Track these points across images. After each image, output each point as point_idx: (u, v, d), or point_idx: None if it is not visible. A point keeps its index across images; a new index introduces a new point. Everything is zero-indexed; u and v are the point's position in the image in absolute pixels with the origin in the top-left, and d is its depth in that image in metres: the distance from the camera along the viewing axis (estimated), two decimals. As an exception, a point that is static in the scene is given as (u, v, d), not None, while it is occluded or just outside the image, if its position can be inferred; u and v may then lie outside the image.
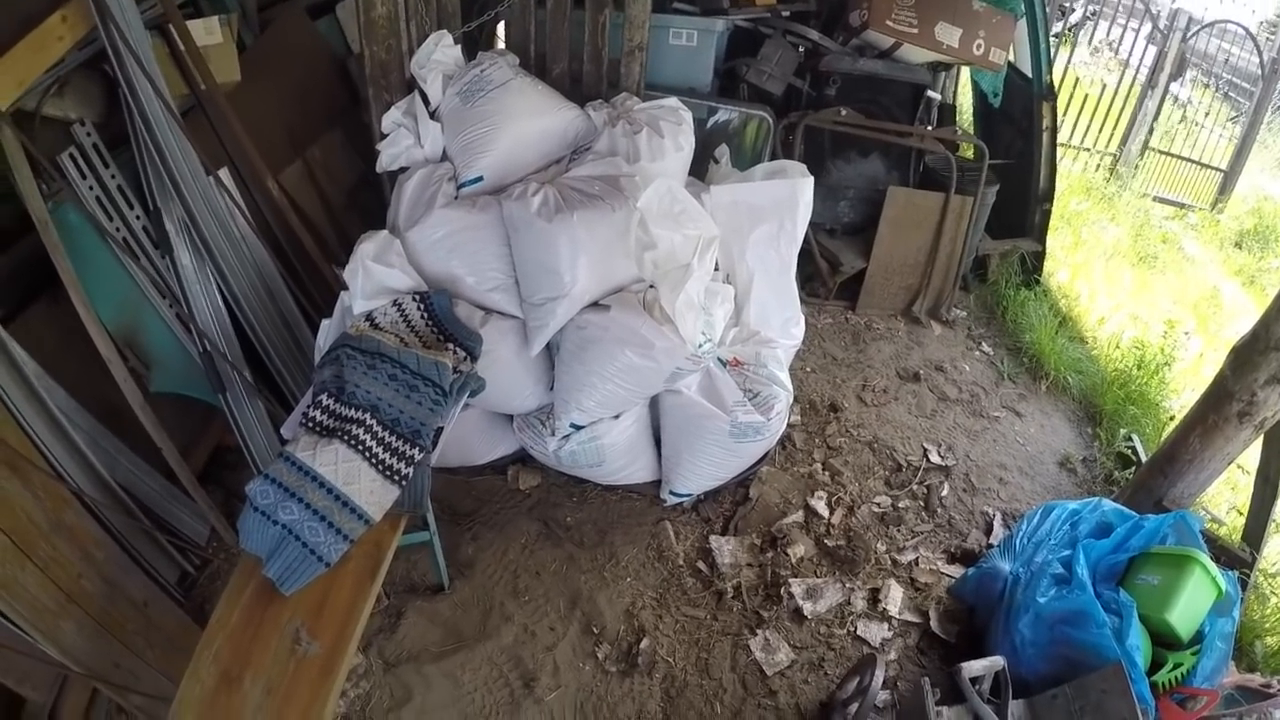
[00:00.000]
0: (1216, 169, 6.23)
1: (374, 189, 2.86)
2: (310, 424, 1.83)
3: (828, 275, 3.26)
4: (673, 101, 2.51)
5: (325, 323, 2.25)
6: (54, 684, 1.95)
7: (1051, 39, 3.43)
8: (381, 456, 1.81)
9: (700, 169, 2.72)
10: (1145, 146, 5.87)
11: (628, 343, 2.13)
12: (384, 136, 2.48)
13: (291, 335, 2.47)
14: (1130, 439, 2.90)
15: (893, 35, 2.99)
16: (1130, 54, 6.44)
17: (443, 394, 1.88)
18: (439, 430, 1.88)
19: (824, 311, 3.31)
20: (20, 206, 1.95)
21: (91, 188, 2.05)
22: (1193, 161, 6.19)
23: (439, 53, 2.51)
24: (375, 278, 2.12)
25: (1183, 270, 4.60)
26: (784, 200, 2.49)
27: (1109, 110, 5.81)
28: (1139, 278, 4.27)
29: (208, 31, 2.25)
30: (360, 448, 1.79)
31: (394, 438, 1.83)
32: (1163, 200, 5.96)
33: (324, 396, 1.86)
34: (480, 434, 2.48)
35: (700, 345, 2.18)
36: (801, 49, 3.12)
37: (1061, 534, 2.31)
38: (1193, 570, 1.98)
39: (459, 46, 2.57)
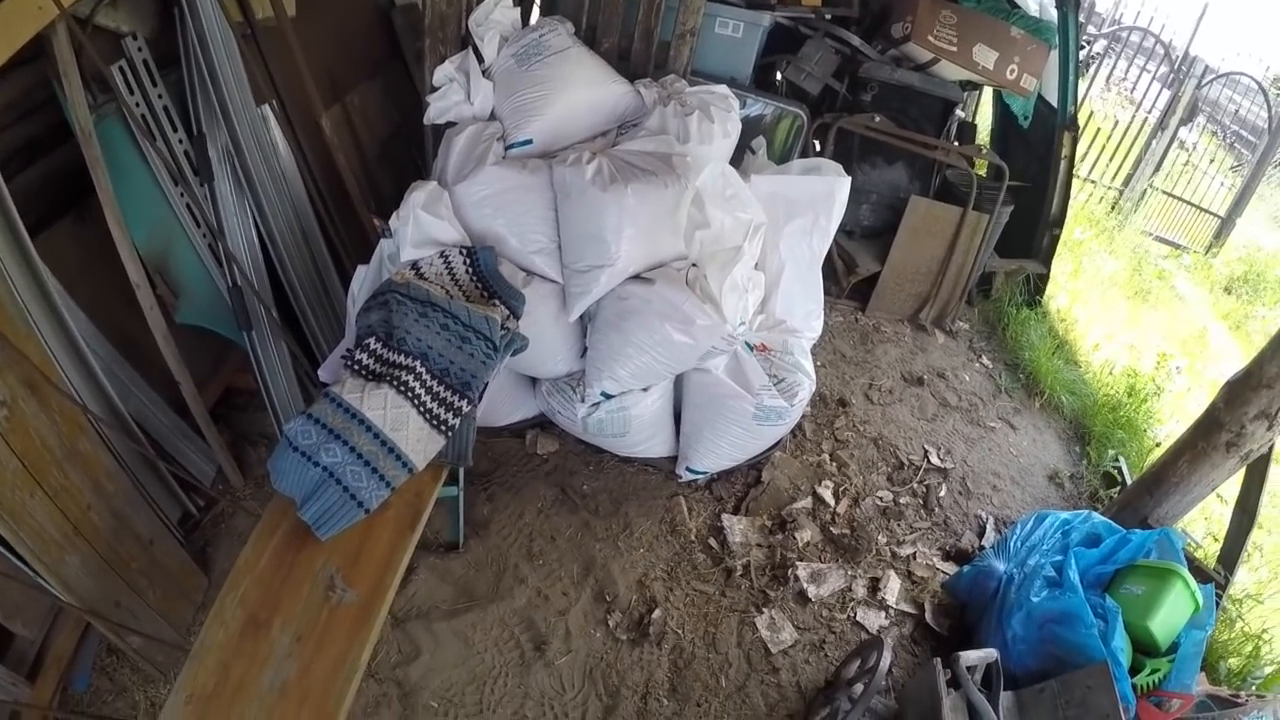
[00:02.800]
0: (1214, 215, 6.42)
1: (406, 142, 2.81)
2: (357, 367, 1.78)
3: (843, 275, 3.31)
4: (723, 89, 2.52)
5: (362, 269, 2.19)
6: (46, 620, 1.86)
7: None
8: (430, 405, 1.77)
9: (735, 159, 2.73)
10: (1149, 185, 6.04)
11: (669, 317, 2.12)
12: (434, 90, 2.43)
13: (321, 281, 2.39)
14: (1117, 460, 3.01)
15: (932, 50, 3.04)
16: (1144, 95, 6.61)
17: (493, 347, 1.85)
18: (485, 385, 1.85)
19: (835, 309, 3.35)
20: (54, 116, 1.86)
21: (138, 104, 1.95)
22: (1193, 205, 6.38)
23: (498, 12, 2.47)
24: (424, 227, 2.07)
25: (1174, 308, 4.78)
26: (821, 196, 2.52)
27: (1118, 147, 5.96)
28: (1132, 310, 4.42)
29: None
30: (409, 394, 1.75)
31: (443, 388, 1.80)
32: (1160, 239, 6.15)
33: (372, 340, 1.81)
34: (503, 395, 2.45)
35: (738, 326, 2.19)
36: (840, 53, 3.15)
37: (1054, 541, 2.39)
38: (1174, 583, 2.07)
39: (518, 9, 2.52)
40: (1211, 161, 6.89)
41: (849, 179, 2.51)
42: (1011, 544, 2.44)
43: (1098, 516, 2.42)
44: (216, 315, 2.19)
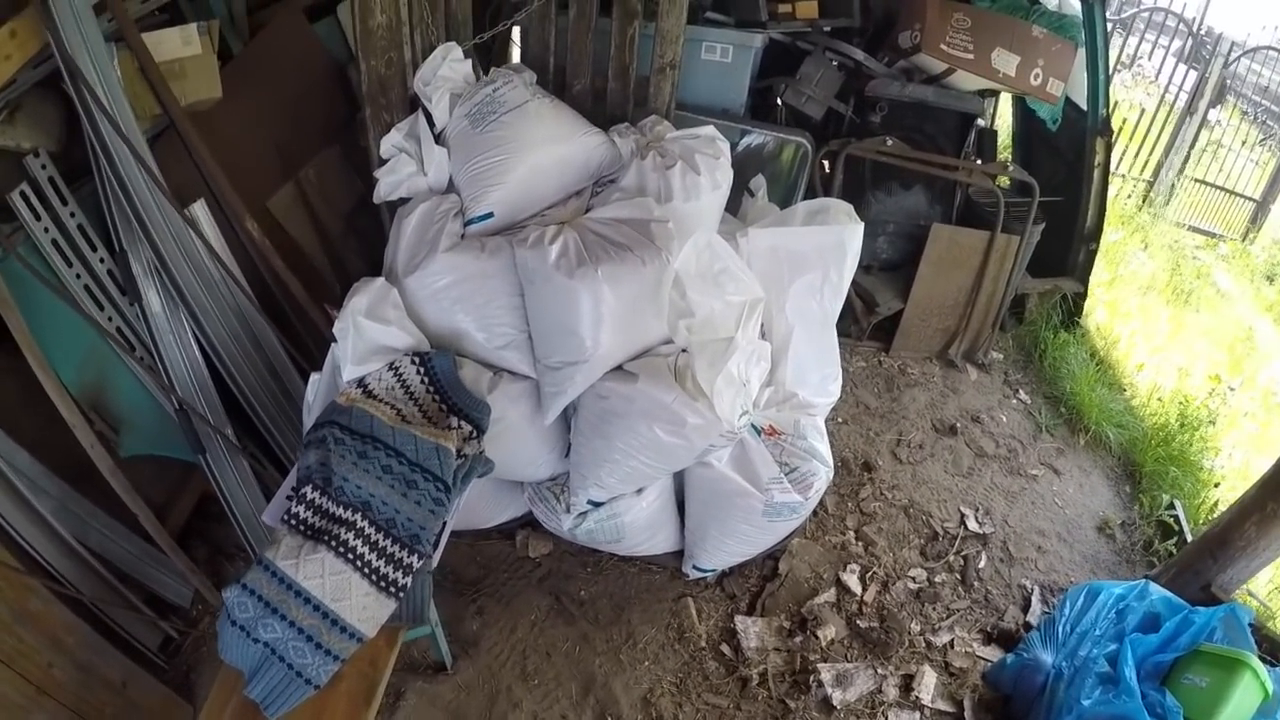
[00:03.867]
0: (1249, 199, 5.79)
1: (374, 213, 2.47)
2: (294, 521, 1.49)
3: (862, 315, 2.89)
4: (710, 131, 2.12)
5: (315, 377, 1.89)
6: None
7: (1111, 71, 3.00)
8: (375, 565, 1.47)
9: (733, 201, 2.34)
10: (1180, 174, 5.43)
11: (655, 418, 1.78)
12: (383, 162, 2.08)
13: (280, 384, 2.10)
14: (1173, 507, 2.58)
15: (946, 60, 2.57)
16: (1169, 77, 5.93)
17: (444, 489, 1.54)
18: (437, 534, 1.54)
19: (856, 353, 2.95)
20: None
21: (47, 230, 1.68)
22: (1227, 191, 5.75)
23: (446, 67, 2.10)
24: (369, 337, 1.76)
25: (1217, 308, 4.23)
26: (830, 248, 2.11)
27: (1145, 136, 5.37)
28: (1175, 317, 3.91)
29: (185, 41, 1.84)
30: (350, 556, 1.45)
31: (389, 542, 1.49)
32: (1194, 229, 5.56)
33: (308, 489, 1.51)
34: (487, 497, 2.14)
35: (739, 419, 1.83)
36: (843, 69, 2.70)
37: (1107, 624, 2.05)
38: (1242, 675, 1.78)
39: (470, 61, 2.15)
40: (1244, 144, 6.15)
41: (861, 225, 2.10)
42: (1060, 628, 2.11)
43: (1155, 589, 2.07)
44: (167, 440, 1.94)
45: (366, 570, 1.45)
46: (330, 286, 2.36)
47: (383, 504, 1.51)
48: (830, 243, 2.12)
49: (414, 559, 1.49)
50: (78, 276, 1.73)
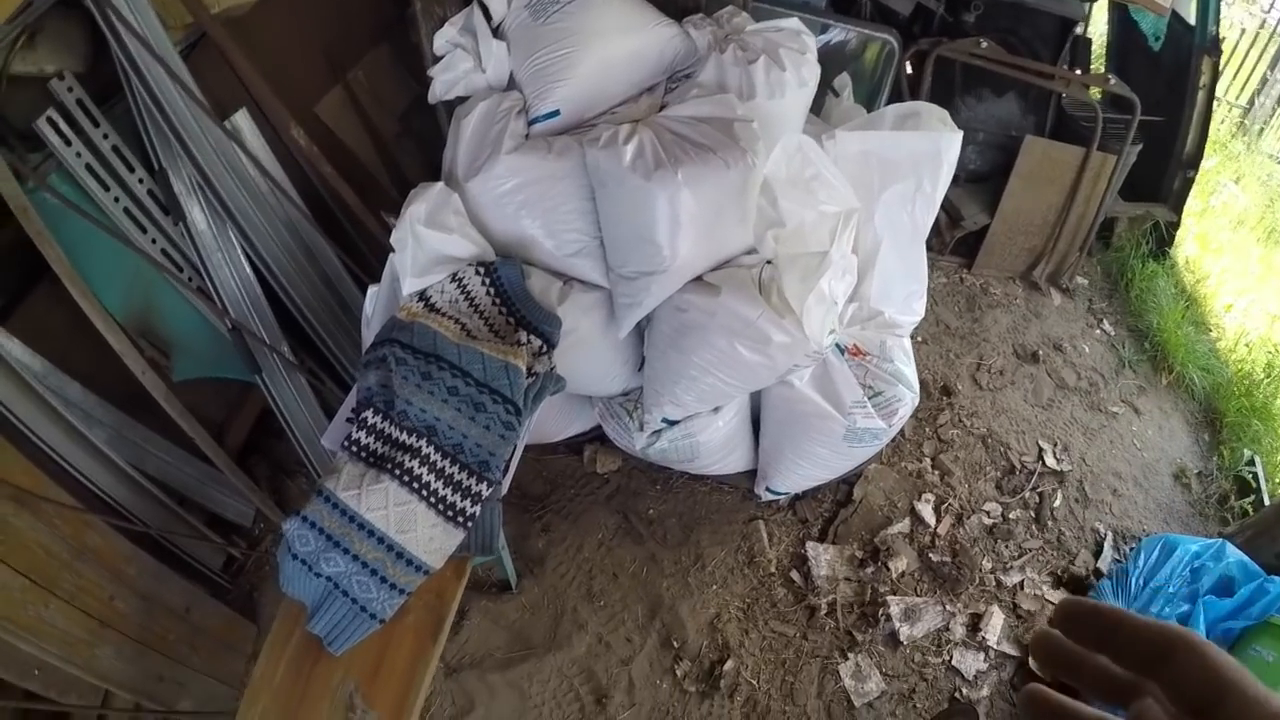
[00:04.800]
0: None
1: (430, 113, 2.22)
2: (354, 448, 1.33)
3: (946, 228, 2.59)
4: (794, 24, 1.81)
5: (373, 289, 1.71)
6: (99, 690, 1.64)
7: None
8: (442, 493, 1.32)
9: (815, 102, 2.03)
10: (1279, 103, 4.82)
11: (738, 334, 1.57)
12: (437, 60, 1.82)
13: (336, 296, 1.93)
14: (1253, 463, 2.34)
15: (1050, -43, 2.18)
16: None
17: (515, 412, 1.36)
18: (506, 460, 1.37)
19: (937, 268, 2.67)
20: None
21: (79, 154, 1.49)
22: None
23: (504, -48, 1.81)
24: (429, 246, 1.55)
25: None
26: (925, 156, 1.83)
27: (1244, 59, 4.74)
28: (1265, 257, 3.50)
29: (214, -62, 1.57)
30: (416, 485, 1.30)
31: (456, 468, 1.33)
32: None
33: (369, 413, 1.35)
34: (554, 411, 1.97)
35: (826, 338, 1.61)
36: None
37: (1180, 582, 1.93)
38: None
39: (529, -57, 1.84)
40: None
41: (959, 133, 1.81)
42: (1133, 581, 1.98)
43: (1231, 551, 1.93)
44: (220, 361, 1.80)
45: (433, 499, 1.30)
46: (386, 191, 2.15)
47: (449, 428, 1.34)
48: (926, 150, 1.83)
49: (483, 486, 1.33)
50: (116, 200, 1.56)
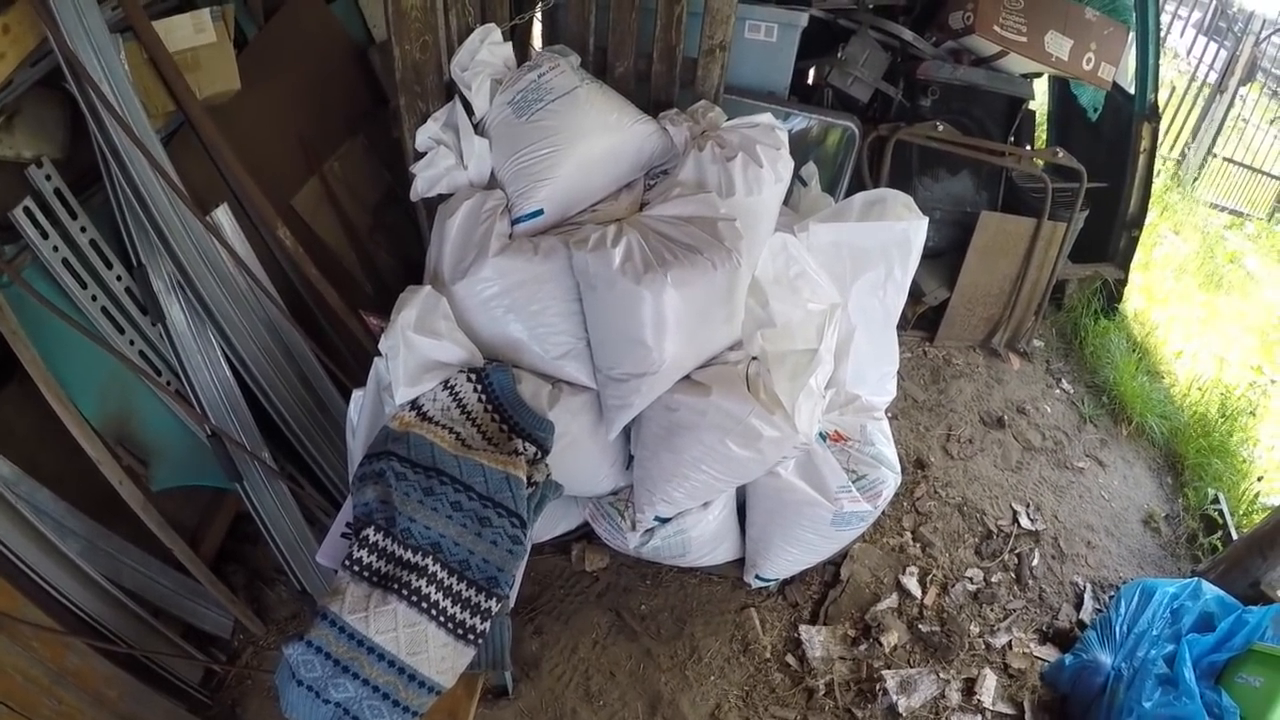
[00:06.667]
0: (1276, 177, 5.64)
1: (403, 206, 2.25)
2: (356, 567, 1.31)
3: (908, 305, 2.71)
4: (768, 119, 1.90)
5: (357, 394, 1.69)
6: None
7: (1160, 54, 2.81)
8: (451, 611, 1.31)
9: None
10: (1209, 153, 5.27)
11: (729, 431, 1.61)
12: (419, 156, 1.86)
13: (315, 398, 1.91)
14: (1217, 500, 2.49)
15: (999, 43, 2.38)
16: (1198, 54, 5.71)
17: (520, 524, 1.37)
18: (515, 576, 1.37)
19: (902, 342, 2.76)
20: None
21: (56, 248, 1.45)
22: (1255, 170, 5.59)
23: (485, 51, 1.87)
24: (421, 353, 1.56)
25: (1247, 292, 4.10)
26: (894, 244, 1.94)
27: (1175, 114, 5.19)
28: (1208, 302, 3.79)
29: (197, 28, 1.59)
30: (425, 605, 1.29)
31: (464, 586, 1.33)
32: (1221, 208, 5.41)
33: (370, 530, 1.34)
34: (542, 512, 1.97)
35: (814, 431, 1.67)
36: (889, 49, 2.48)
37: (1163, 624, 2.00)
38: None
39: (509, 44, 1.92)
40: (1272, 122, 5.95)
41: (925, 220, 1.93)
42: (1117, 628, 2.05)
43: (1207, 588, 2.02)
44: (200, 468, 1.75)
45: (443, 619, 1.29)
46: (361, 286, 2.15)
47: (454, 545, 1.34)
48: (894, 239, 1.94)
49: (492, 603, 1.33)
50: (94, 298, 1.52)
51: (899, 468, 1.92)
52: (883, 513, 2.27)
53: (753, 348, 1.65)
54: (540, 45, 2.28)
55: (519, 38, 2.46)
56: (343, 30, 2.14)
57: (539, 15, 2.37)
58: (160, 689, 1.68)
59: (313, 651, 1.24)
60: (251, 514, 1.78)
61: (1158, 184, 4.88)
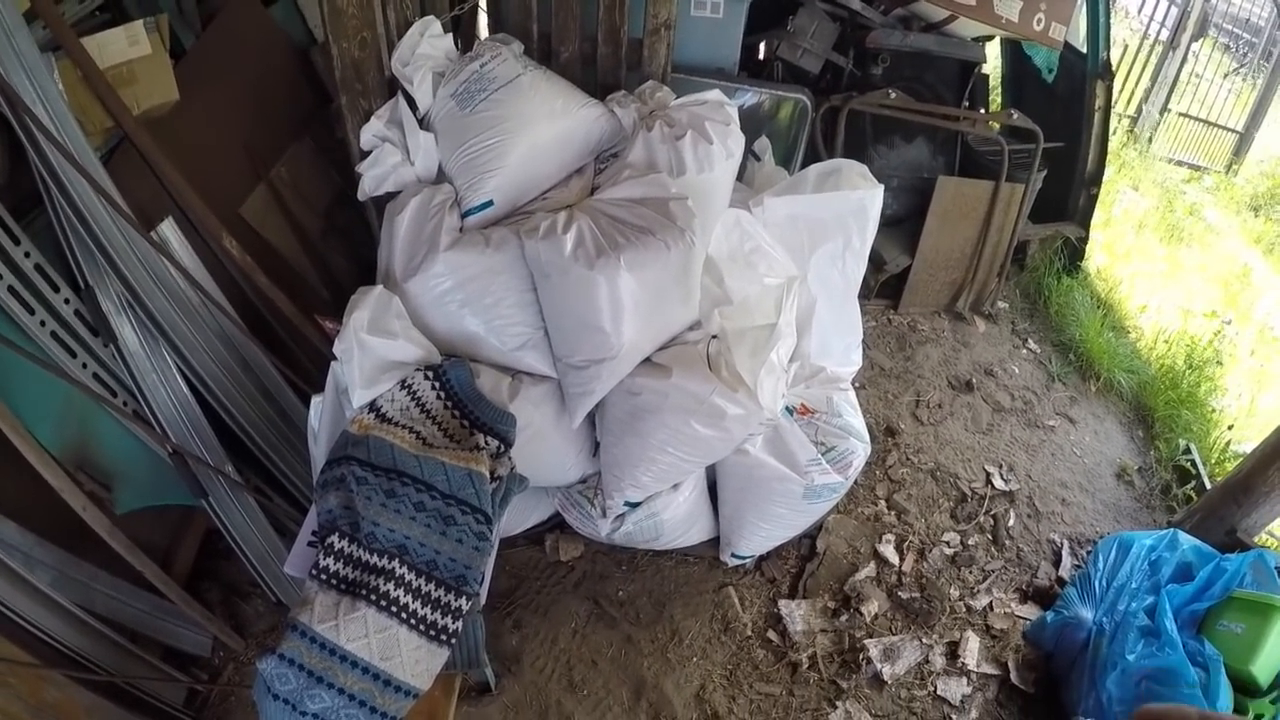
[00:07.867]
0: (1232, 130, 5.69)
1: (355, 207, 2.22)
2: (324, 575, 1.31)
3: (870, 274, 2.73)
4: (716, 95, 1.90)
5: (316, 400, 1.68)
6: None
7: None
8: (421, 613, 1.31)
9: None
10: (1164, 108, 5.32)
11: (693, 412, 1.62)
12: (365, 155, 1.84)
13: (275, 406, 1.89)
14: (1189, 451, 2.54)
15: (949, 8, 2.39)
16: (1149, 12, 5.75)
17: (485, 520, 1.37)
18: (483, 572, 1.38)
19: (865, 312, 2.79)
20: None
21: (1, 276, 1.41)
22: (1210, 124, 5.65)
23: (425, 44, 1.85)
24: (375, 354, 1.55)
25: (1208, 243, 4.17)
26: (851, 213, 1.96)
27: (1129, 72, 5.23)
28: (1170, 255, 3.84)
29: (131, 41, 1.56)
30: (394, 608, 1.29)
31: (433, 586, 1.33)
32: (1179, 163, 5.48)
33: (334, 537, 1.33)
34: (512, 505, 1.96)
35: (779, 405, 1.69)
36: (838, 19, 2.48)
37: (1141, 576, 2.03)
38: (1277, 618, 1.78)
39: (450, 35, 1.90)
40: (1225, 76, 6.02)
41: (881, 188, 1.95)
42: (1096, 583, 2.08)
43: (1184, 538, 2.05)
44: (164, 488, 1.73)
45: (413, 621, 1.29)
46: (316, 292, 2.13)
47: (420, 545, 1.34)
48: (851, 208, 1.96)
49: (463, 601, 1.33)
50: (42, 323, 1.49)
51: (868, 438, 1.94)
52: (855, 483, 2.30)
53: (711, 326, 1.66)
54: (486, 35, 2.26)
55: (462, 29, 2.45)
56: (282, 33, 2.10)
57: (483, 5, 2.36)
58: (144, 714, 1.67)
59: (285, 664, 1.23)
60: (220, 528, 1.77)
61: (1114, 141, 4.95)
